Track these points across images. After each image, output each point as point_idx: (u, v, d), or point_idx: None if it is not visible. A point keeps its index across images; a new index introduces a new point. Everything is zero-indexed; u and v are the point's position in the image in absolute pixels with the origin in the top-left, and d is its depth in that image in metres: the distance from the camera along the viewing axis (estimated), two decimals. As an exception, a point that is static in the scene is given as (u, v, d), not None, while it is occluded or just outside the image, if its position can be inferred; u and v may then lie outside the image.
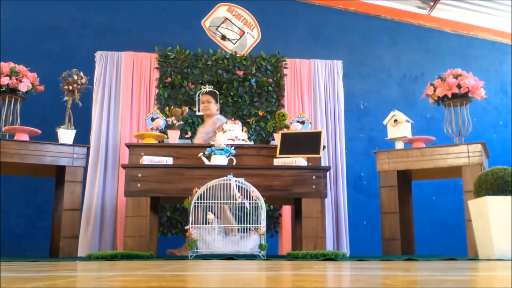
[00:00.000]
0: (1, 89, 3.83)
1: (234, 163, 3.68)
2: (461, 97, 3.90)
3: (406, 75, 5.71)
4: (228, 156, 3.65)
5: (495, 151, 5.15)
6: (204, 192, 3.08)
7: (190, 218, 3.03)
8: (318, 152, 3.69)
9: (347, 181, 4.81)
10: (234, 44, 4.94)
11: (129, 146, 3.90)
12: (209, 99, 4.37)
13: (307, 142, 3.72)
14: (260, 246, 3.03)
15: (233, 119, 4.32)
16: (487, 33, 5.92)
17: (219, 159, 3.58)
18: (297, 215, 3.84)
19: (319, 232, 3.49)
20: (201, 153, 3.64)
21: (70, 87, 3.92)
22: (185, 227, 3.06)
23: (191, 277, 1.35)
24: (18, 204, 4.76)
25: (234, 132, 3.95)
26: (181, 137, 4.23)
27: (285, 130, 4.00)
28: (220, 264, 2.14)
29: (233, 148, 3.69)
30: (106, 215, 4.38)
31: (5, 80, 3.81)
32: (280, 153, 3.75)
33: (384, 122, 4.11)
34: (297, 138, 3.78)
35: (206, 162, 3.60)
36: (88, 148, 4.15)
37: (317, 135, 3.73)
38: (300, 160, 3.60)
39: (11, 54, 4.74)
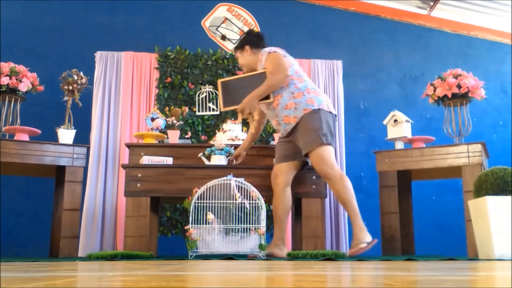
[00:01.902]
0: (1, 89, 3.83)
1: (233, 163, 3.68)
2: (461, 97, 3.90)
3: (406, 75, 5.70)
4: (228, 156, 3.65)
5: (495, 151, 5.15)
6: (204, 192, 3.08)
7: (190, 218, 3.03)
8: (269, 97, 3.35)
9: (347, 181, 4.81)
10: (234, 44, 4.94)
11: (129, 146, 3.90)
12: None
13: (254, 87, 3.32)
14: (260, 246, 3.03)
15: (233, 119, 4.33)
16: (487, 33, 5.92)
17: (219, 159, 3.58)
18: (297, 215, 3.84)
19: (319, 232, 3.49)
20: (201, 153, 3.64)
21: (70, 87, 3.92)
22: (185, 227, 3.06)
23: (191, 277, 1.35)
24: (18, 204, 4.76)
25: (234, 132, 3.95)
26: (181, 137, 4.23)
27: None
28: (220, 264, 2.14)
29: (233, 148, 3.69)
30: (106, 215, 4.38)
31: (5, 80, 3.81)
32: (224, 106, 3.43)
33: (384, 122, 4.12)
34: (241, 84, 3.41)
35: (206, 162, 3.60)
36: (88, 148, 4.15)
37: (262, 76, 3.37)
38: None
39: (11, 54, 4.75)
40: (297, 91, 3.32)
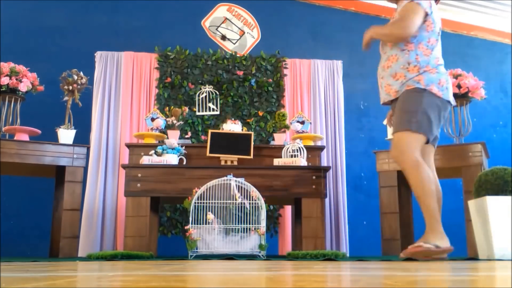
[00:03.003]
0: (1, 89, 3.83)
1: (184, 163, 3.68)
2: (461, 97, 3.90)
3: (406, 75, 5.70)
4: (179, 156, 3.66)
5: (495, 151, 5.15)
6: (204, 192, 3.08)
7: (190, 218, 3.03)
8: (249, 154, 3.74)
9: (347, 181, 4.81)
10: (234, 44, 4.94)
11: (129, 146, 3.90)
12: None
13: (238, 143, 3.77)
14: (260, 246, 3.03)
15: (233, 119, 4.33)
16: (487, 33, 5.92)
17: (171, 158, 3.59)
18: (297, 215, 3.84)
19: (319, 232, 3.50)
20: (153, 151, 3.63)
21: (70, 87, 3.92)
22: (185, 227, 3.06)
23: (191, 277, 1.35)
24: (18, 204, 4.76)
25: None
26: (181, 137, 4.23)
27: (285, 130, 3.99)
28: (220, 264, 2.14)
29: (183, 147, 3.70)
30: (106, 215, 4.38)
31: (5, 80, 3.81)
32: (210, 152, 3.76)
33: (384, 122, 4.11)
34: (228, 138, 3.81)
35: (157, 159, 3.57)
36: (88, 148, 4.15)
37: (248, 137, 3.80)
38: (300, 160, 3.60)
39: (11, 54, 4.74)
40: (414, 63, 2.86)
